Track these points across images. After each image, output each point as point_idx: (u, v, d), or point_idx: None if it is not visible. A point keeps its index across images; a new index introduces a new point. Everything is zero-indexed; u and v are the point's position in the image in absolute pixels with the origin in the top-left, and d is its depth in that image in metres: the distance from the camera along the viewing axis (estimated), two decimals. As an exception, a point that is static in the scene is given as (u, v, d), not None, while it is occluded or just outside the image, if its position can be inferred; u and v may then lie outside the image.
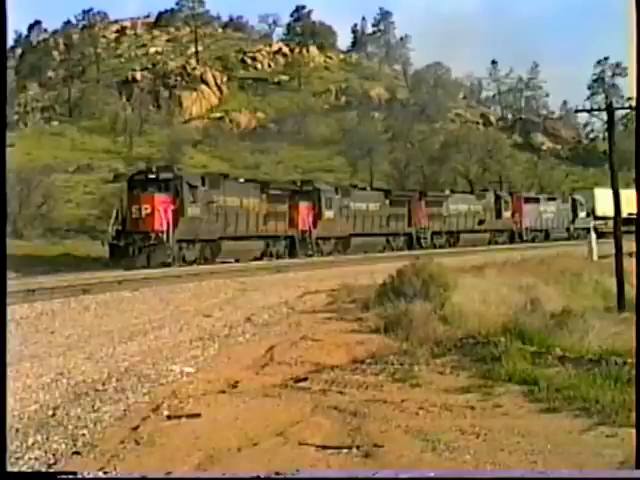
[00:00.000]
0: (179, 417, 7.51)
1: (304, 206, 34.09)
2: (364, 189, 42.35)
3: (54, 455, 6.56)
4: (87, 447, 6.73)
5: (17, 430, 7.08)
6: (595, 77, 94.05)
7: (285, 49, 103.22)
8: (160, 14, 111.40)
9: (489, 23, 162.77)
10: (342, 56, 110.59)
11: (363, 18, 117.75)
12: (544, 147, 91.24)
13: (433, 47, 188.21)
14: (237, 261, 30.02)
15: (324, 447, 6.62)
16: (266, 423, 7.30)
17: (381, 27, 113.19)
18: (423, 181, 60.79)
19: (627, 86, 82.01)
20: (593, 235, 29.73)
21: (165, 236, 26.24)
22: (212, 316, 14.22)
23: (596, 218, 48.11)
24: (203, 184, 28.68)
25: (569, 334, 10.75)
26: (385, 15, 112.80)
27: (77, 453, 6.61)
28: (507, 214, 47.98)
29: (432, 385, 8.79)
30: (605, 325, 11.51)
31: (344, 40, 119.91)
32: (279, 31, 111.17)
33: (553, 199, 54.00)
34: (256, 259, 30.78)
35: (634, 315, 8.46)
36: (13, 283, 16.09)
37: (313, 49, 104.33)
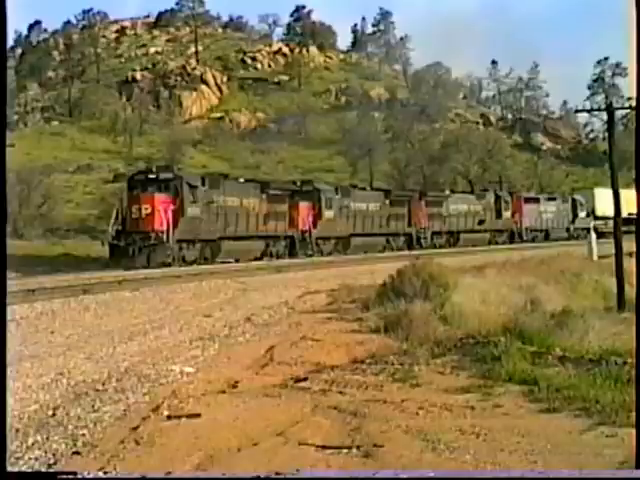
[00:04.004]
0: (179, 417, 7.51)
1: (304, 206, 34.08)
2: (364, 189, 42.32)
3: (54, 455, 6.56)
4: (87, 447, 6.73)
5: (17, 430, 7.08)
6: (595, 77, 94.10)
7: (285, 49, 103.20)
8: (160, 14, 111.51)
9: (489, 23, 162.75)
10: (342, 56, 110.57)
11: (363, 18, 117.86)
12: (544, 147, 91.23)
13: (433, 47, 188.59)
14: (237, 261, 30.01)
15: (324, 447, 6.62)
16: (266, 423, 7.29)
17: (381, 27, 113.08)
18: (423, 181, 60.75)
19: (627, 86, 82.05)
20: (593, 235, 29.72)
21: (165, 236, 26.23)
22: (212, 316, 14.22)
23: (596, 218, 48.13)
24: (203, 184, 28.68)
25: (569, 334, 10.76)
26: (385, 15, 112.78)
27: (77, 453, 6.61)
28: (507, 214, 47.97)
29: (432, 385, 8.79)
30: (605, 325, 11.51)
31: (344, 40, 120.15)
32: (279, 31, 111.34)
33: (553, 199, 53.98)
34: (256, 259, 30.77)
35: (634, 315, 8.47)
36: (13, 283, 16.10)
37: (313, 49, 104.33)
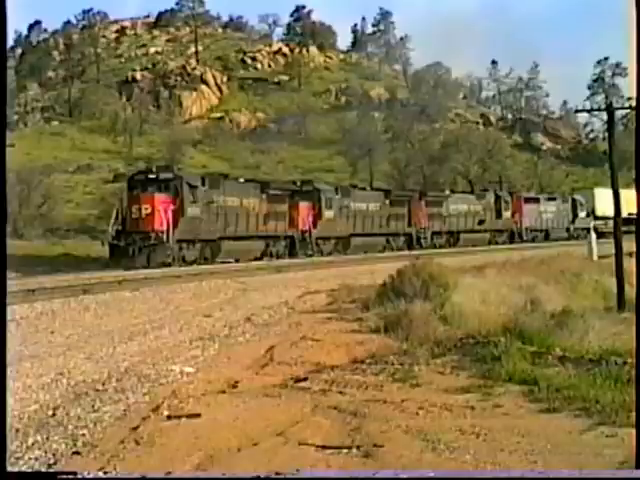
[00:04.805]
0: (179, 417, 7.51)
1: (304, 206, 34.08)
2: (364, 189, 42.32)
3: (54, 455, 6.55)
4: (87, 447, 6.73)
5: (17, 430, 7.08)
6: (595, 77, 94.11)
7: (285, 49, 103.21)
8: (160, 14, 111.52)
9: (489, 23, 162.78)
10: (342, 56, 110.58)
11: (363, 18, 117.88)
12: (544, 147, 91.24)
13: (433, 47, 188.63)
14: (237, 261, 30.01)
15: (324, 447, 6.61)
16: (266, 423, 7.29)
17: (381, 27, 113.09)
18: (423, 181, 60.76)
19: (627, 86, 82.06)
20: (593, 235, 29.71)
21: (165, 236, 26.23)
22: (212, 316, 14.22)
23: (596, 218, 48.14)
24: (203, 184, 28.68)
25: (569, 334, 10.76)
26: (385, 15, 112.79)
27: (77, 453, 6.61)
28: (507, 214, 47.97)
29: (432, 385, 8.79)
30: (605, 325, 11.51)
31: (344, 40, 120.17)
32: (279, 31, 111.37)
33: (553, 199, 53.99)
34: (256, 259, 30.77)
35: (634, 315, 8.47)
36: (13, 283, 16.10)
37: (313, 49, 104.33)
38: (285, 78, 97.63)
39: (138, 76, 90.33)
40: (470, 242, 42.90)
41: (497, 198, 48.03)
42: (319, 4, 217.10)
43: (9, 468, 5.94)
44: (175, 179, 27.87)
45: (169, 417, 7.54)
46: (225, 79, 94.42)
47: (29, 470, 6.24)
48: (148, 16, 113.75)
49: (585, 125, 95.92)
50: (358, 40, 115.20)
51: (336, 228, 36.06)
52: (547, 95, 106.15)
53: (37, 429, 7.16)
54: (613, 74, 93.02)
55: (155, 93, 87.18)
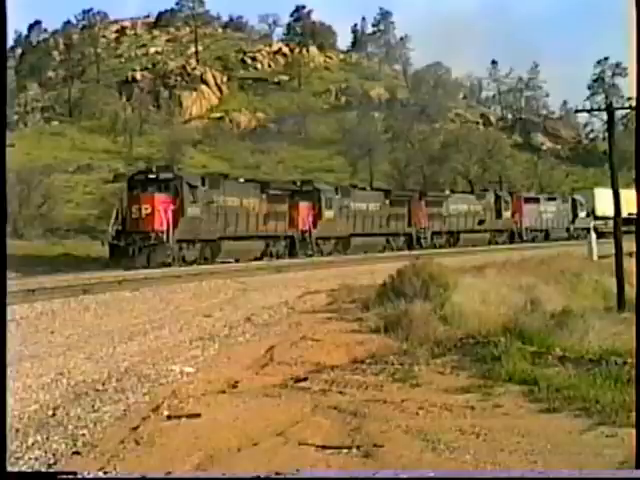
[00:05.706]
0: (179, 417, 7.51)
1: (304, 206, 34.08)
2: (364, 189, 42.32)
3: (54, 455, 6.55)
4: (87, 447, 6.73)
5: (17, 430, 7.08)
6: (595, 77, 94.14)
7: (285, 49, 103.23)
8: (160, 14, 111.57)
9: (489, 23, 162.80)
10: (342, 56, 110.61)
11: (363, 18, 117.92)
12: (544, 147, 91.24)
13: (433, 47, 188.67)
14: (237, 261, 30.01)
15: (324, 447, 6.61)
16: (266, 423, 7.29)
17: (381, 27, 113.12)
18: (423, 181, 60.76)
19: (627, 86, 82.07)
20: (593, 235, 29.72)
21: (165, 236, 26.23)
22: (212, 316, 14.22)
23: (596, 218, 48.14)
24: (203, 184, 28.68)
25: (569, 334, 10.76)
26: (385, 15, 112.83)
27: (77, 453, 6.61)
28: (507, 214, 47.97)
29: (432, 385, 8.79)
30: (605, 325, 11.51)
31: (344, 40, 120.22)
32: (279, 31, 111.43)
33: (553, 199, 53.99)
34: (256, 259, 30.78)
35: (634, 315, 8.47)
36: (13, 283, 16.10)
37: (313, 49, 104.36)
38: (285, 78, 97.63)
39: (138, 76, 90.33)
40: (470, 242, 42.90)
41: (497, 198, 48.03)
42: (319, 4, 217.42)
43: (9, 468, 5.94)
44: (175, 179, 27.87)
45: (169, 417, 7.54)
46: (225, 79, 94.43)
47: (29, 470, 6.24)
48: (148, 16, 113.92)
49: (585, 125, 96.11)
50: (358, 40, 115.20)
51: (336, 228, 36.06)
52: (547, 95, 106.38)
53: (37, 429, 7.16)
54: (613, 74, 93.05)
55: (155, 93, 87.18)
